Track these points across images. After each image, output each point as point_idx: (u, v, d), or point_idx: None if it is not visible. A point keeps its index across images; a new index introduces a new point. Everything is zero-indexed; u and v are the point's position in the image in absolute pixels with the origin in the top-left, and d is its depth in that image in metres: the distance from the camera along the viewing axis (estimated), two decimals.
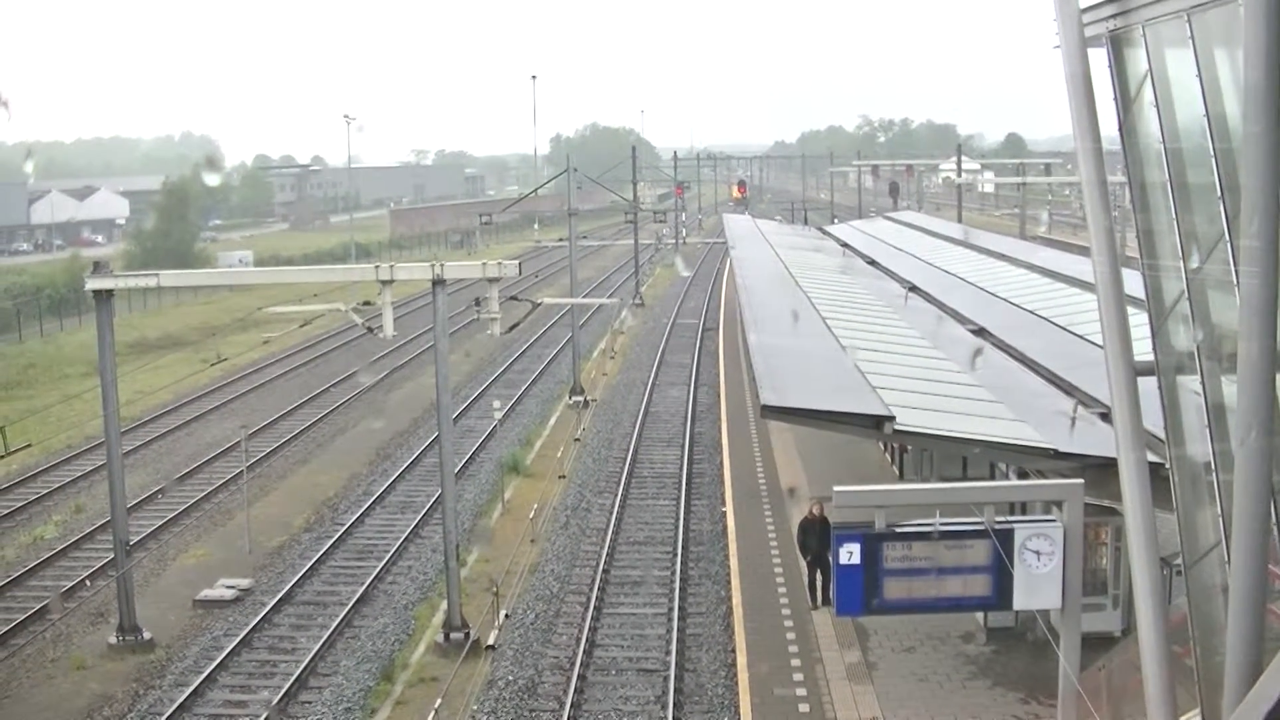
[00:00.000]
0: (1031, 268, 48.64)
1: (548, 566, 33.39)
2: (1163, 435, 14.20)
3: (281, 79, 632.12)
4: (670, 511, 37.99)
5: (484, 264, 28.96)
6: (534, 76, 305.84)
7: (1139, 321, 13.90)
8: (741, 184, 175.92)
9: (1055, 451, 21.25)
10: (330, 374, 62.76)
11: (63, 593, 32.15)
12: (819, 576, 26.34)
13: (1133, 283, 14.04)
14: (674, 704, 24.69)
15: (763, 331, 32.40)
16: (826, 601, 25.62)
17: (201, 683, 26.50)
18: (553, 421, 52.04)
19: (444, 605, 29.52)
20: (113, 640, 29.07)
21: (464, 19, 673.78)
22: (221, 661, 27.63)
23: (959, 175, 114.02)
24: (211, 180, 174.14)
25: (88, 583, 33.08)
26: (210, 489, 41.61)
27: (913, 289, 46.27)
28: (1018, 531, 17.46)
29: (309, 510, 40.11)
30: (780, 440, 40.86)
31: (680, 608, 29.74)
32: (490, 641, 28.21)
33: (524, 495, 40.25)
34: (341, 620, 29.93)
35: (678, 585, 31.20)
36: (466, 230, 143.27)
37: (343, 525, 37.46)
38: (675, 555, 33.55)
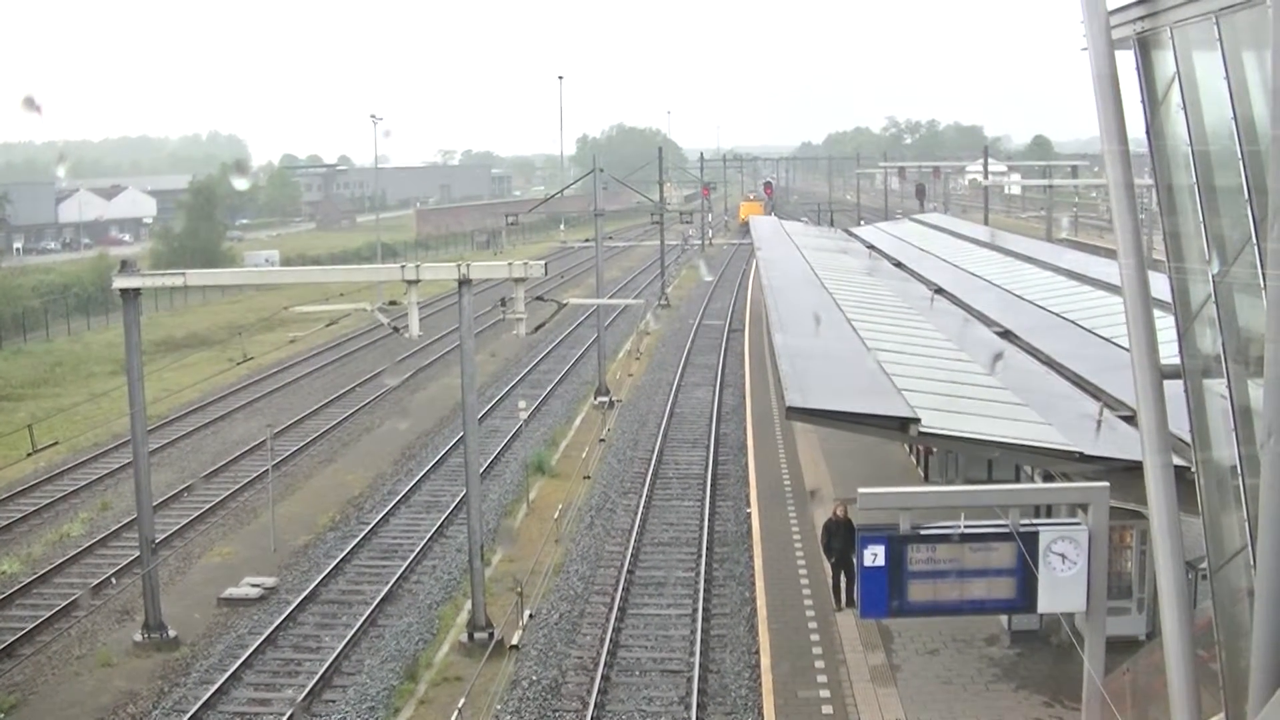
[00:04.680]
0: (1058, 270, 48.48)
1: (572, 567, 33.41)
2: (1188, 439, 14.16)
3: (308, 79, 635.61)
4: (695, 512, 37.97)
5: (510, 264, 28.95)
6: (560, 77, 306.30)
7: (1165, 324, 13.85)
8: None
9: (1081, 454, 21.12)
10: (356, 373, 62.97)
11: (90, 589, 32.33)
12: (843, 578, 26.29)
13: (1159, 285, 13.99)
14: (697, 705, 24.69)
15: (788, 333, 32.32)
16: (851, 603, 25.61)
17: (226, 680, 26.58)
18: (578, 422, 52.08)
19: (468, 605, 29.55)
20: (138, 638, 29.20)
21: (491, 20, 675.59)
22: (246, 660, 27.72)
23: (985, 177, 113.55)
24: (240, 184, 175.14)
25: (113, 580, 33.24)
26: (236, 487, 41.78)
27: (939, 291, 46.08)
28: (1043, 534, 17.38)
29: (334, 509, 40.22)
30: (805, 442, 40.78)
31: (704, 609, 29.75)
32: (514, 641, 28.25)
33: (549, 495, 40.29)
34: (366, 619, 29.99)
35: (702, 586, 31.19)
36: (493, 230, 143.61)
37: (367, 524, 37.56)
38: (700, 556, 33.53)
